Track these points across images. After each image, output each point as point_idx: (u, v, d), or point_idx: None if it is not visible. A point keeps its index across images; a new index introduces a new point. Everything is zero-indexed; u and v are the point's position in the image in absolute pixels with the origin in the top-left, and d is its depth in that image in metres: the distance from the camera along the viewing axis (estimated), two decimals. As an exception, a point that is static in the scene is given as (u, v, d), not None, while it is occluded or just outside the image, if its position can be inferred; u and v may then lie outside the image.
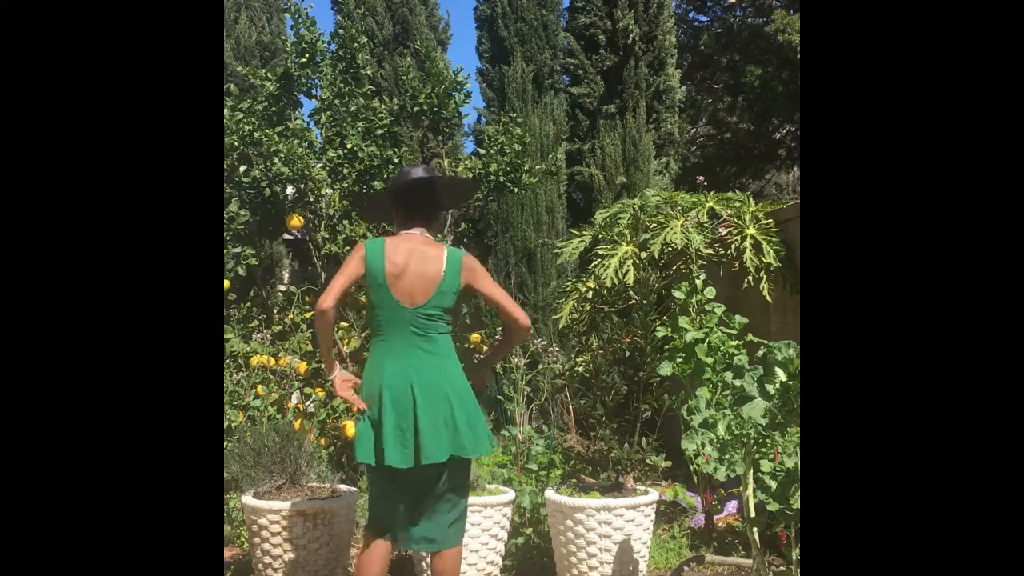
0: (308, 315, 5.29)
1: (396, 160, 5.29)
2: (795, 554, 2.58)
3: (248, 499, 3.34)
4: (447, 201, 2.93)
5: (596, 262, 4.52)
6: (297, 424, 4.48)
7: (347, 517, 3.39)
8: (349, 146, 5.22)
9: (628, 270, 4.32)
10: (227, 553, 3.78)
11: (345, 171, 5.25)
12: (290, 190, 5.41)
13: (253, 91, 6.33)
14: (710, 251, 4.38)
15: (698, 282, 3.83)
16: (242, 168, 5.24)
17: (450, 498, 2.54)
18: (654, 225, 4.41)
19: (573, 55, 7.87)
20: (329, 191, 5.29)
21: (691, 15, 12.58)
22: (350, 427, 4.68)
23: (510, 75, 7.57)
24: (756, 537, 2.75)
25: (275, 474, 3.54)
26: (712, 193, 4.62)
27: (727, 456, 2.64)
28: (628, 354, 4.89)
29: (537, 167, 5.99)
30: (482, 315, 6.82)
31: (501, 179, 5.52)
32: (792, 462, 2.41)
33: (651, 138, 7.53)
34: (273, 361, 4.76)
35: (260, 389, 4.58)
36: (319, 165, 5.30)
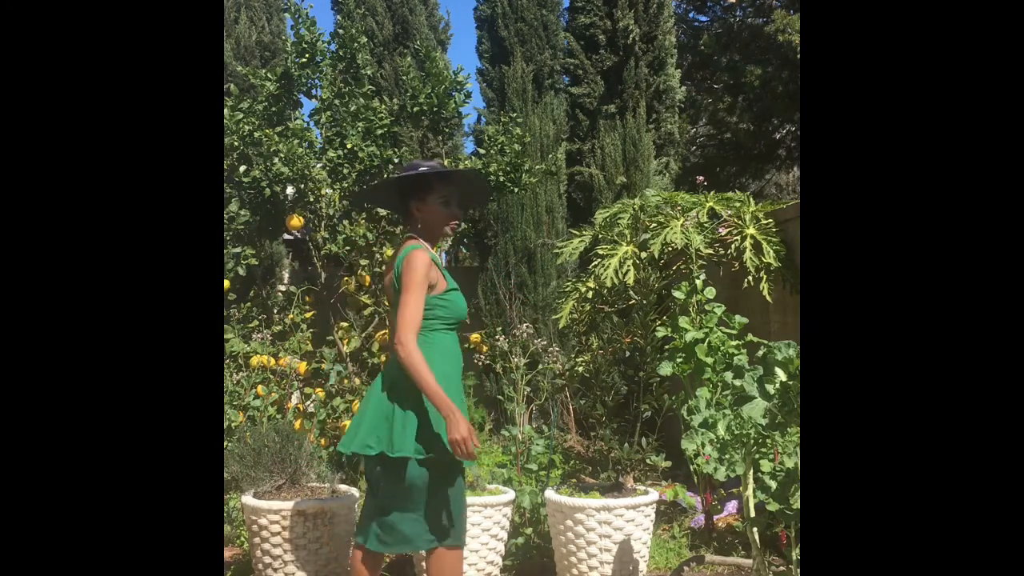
0: (308, 315, 5.30)
1: (396, 160, 5.29)
2: (795, 554, 2.58)
3: (248, 499, 3.34)
4: (466, 200, 2.72)
5: (596, 262, 4.52)
6: (297, 424, 4.48)
7: (347, 517, 3.39)
8: (349, 146, 5.22)
9: (628, 270, 4.32)
10: (227, 553, 3.78)
11: (345, 171, 5.25)
12: (290, 190, 5.41)
13: (253, 91, 6.33)
14: (710, 251, 4.38)
15: (698, 282, 3.83)
16: (242, 168, 5.24)
17: (386, 503, 2.42)
18: (654, 225, 4.41)
19: (573, 55, 7.87)
20: (329, 191, 5.29)
21: (691, 15, 12.59)
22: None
23: (510, 75, 7.57)
24: (756, 537, 2.76)
25: (275, 474, 3.54)
26: (712, 193, 4.62)
27: (727, 456, 2.64)
28: (628, 354, 4.89)
29: (537, 167, 5.99)
30: (482, 315, 6.83)
31: (501, 179, 5.52)
32: (792, 462, 2.41)
33: (651, 138, 7.53)
34: (273, 361, 4.77)
35: (260, 389, 4.58)
36: (319, 165, 5.30)
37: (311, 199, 5.30)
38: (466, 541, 2.47)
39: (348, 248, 5.22)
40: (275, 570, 3.28)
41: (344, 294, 5.39)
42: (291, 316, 5.19)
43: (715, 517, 4.05)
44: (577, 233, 4.99)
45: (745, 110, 11.24)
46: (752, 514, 2.76)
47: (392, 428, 2.38)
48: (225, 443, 4.12)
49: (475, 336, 5.60)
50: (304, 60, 5.44)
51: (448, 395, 2.32)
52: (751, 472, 2.70)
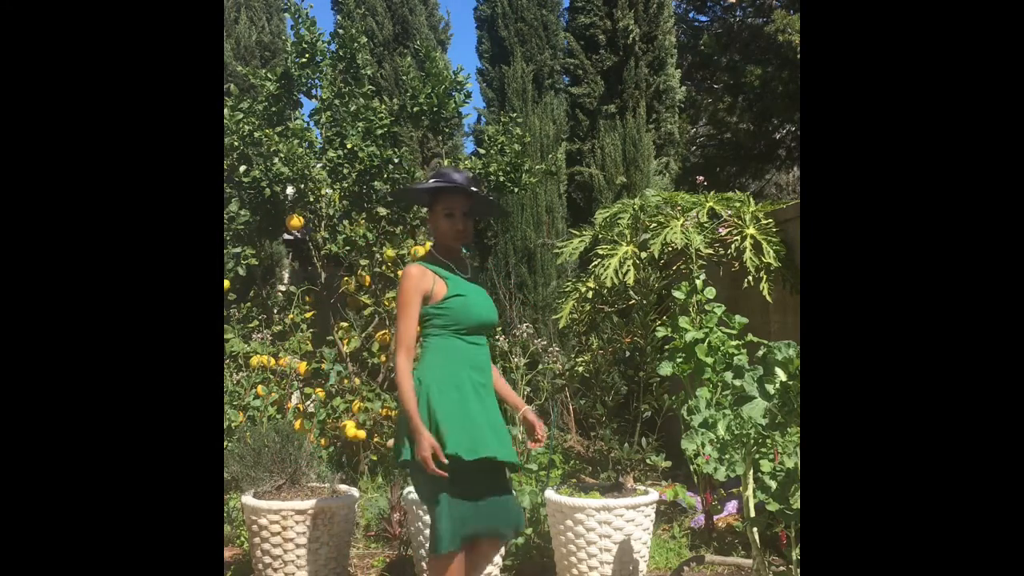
0: (308, 315, 5.30)
1: (396, 160, 5.29)
2: (795, 554, 2.58)
3: (248, 499, 3.34)
4: (476, 212, 2.72)
5: (596, 262, 4.52)
6: (297, 424, 4.48)
7: (347, 517, 3.39)
8: (349, 146, 5.22)
9: (628, 270, 4.32)
10: (227, 553, 3.78)
11: (345, 171, 5.25)
12: (290, 190, 5.41)
13: (253, 91, 6.33)
14: (710, 251, 4.38)
15: (698, 282, 3.83)
16: (242, 168, 5.24)
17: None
18: (654, 225, 4.41)
19: (573, 55, 7.87)
20: (329, 191, 5.29)
21: (691, 15, 12.59)
22: (350, 427, 4.69)
23: (510, 75, 7.57)
24: (756, 537, 2.76)
25: (275, 474, 3.54)
26: (712, 193, 4.62)
27: (727, 456, 2.64)
28: (628, 354, 4.90)
29: (537, 167, 5.99)
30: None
31: (501, 179, 5.52)
32: (792, 462, 2.41)
33: (651, 138, 7.53)
34: (273, 361, 4.77)
35: (260, 389, 4.58)
36: (319, 165, 5.30)
37: (311, 199, 5.30)
38: (458, 545, 2.43)
39: (348, 248, 5.21)
40: (275, 570, 3.28)
41: (344, 294, 5.39)
42: (291, 316, 5.19)
43: (715, 517, 4.05)
44: (577, 233, 4.99)
45: (745, 110, 11.25)
46: (752, 514, 2.76)
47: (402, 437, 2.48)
48: (225, 443, 4.12)
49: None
50: (304, 60, 5.44)
51: (453, 394, 2.41)
52: (751, 472, 2.70)
